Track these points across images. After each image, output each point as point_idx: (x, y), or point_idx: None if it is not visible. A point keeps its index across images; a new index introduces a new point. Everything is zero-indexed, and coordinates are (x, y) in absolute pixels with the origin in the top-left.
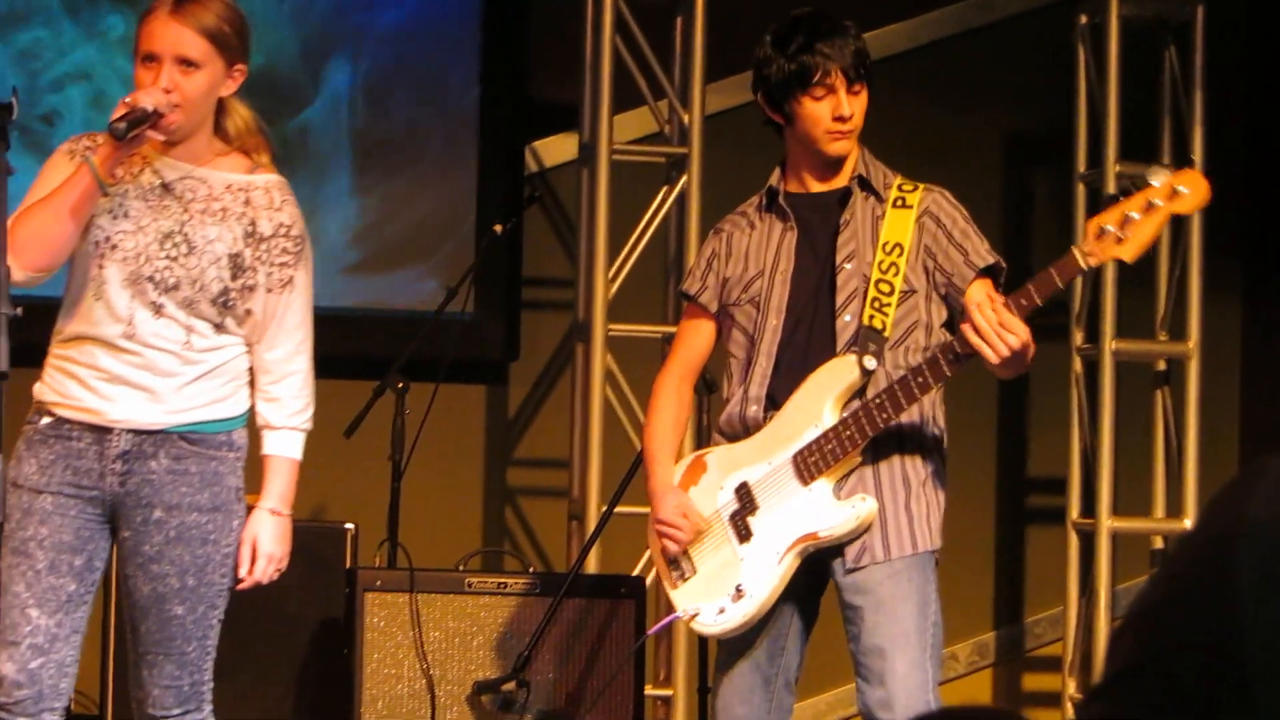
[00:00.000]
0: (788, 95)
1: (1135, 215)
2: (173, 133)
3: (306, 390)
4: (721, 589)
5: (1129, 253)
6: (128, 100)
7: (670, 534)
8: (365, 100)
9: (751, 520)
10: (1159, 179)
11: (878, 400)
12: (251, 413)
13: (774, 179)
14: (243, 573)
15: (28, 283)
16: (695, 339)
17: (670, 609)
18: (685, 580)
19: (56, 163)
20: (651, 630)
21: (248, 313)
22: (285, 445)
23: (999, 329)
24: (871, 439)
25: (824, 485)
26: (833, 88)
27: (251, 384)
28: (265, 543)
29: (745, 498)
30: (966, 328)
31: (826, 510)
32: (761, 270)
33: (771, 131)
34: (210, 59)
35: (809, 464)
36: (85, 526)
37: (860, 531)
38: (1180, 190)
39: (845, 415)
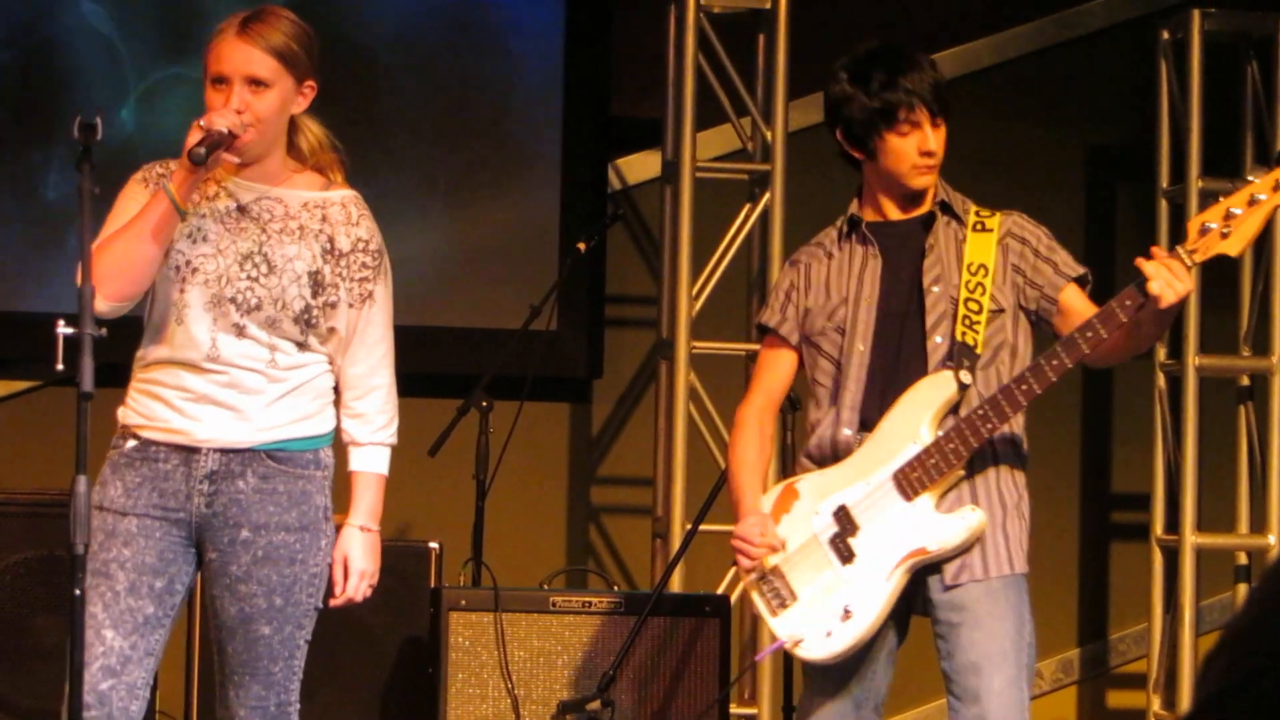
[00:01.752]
0: (871, 132)
1: (1238, 211)
2: (247, 153)
3: (391, 404)
4: (826, 613)
5: (1235, 247)
6: (201, 124)
7: (744, 549)
8: (451, 118)
9: (853, 541)
10: (1258, 175)
11: (981, 411)
12: (338, 431)
13: (853, 208)
14: (336, 591)
15: (111, 312)
16: (776, 370)
17: (761, 629)
18: (785, 607)
19: (131, 192)
20: (758, 657)
21: (331, 330)
22: (372, 461)
23: (1171, 274)
24: (969, 458)
25: (927, 501)
26: (918, 124)
27: (337, 402)
28: (357, 559)
29: (844, 520)
30: (1147, 270)
31: (934, 525)
32: (845, 298)
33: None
34: (280, 77)
35: (911, 480)
36: (170, 549)
37: (970, 544)
38: None
39: (948, 429)
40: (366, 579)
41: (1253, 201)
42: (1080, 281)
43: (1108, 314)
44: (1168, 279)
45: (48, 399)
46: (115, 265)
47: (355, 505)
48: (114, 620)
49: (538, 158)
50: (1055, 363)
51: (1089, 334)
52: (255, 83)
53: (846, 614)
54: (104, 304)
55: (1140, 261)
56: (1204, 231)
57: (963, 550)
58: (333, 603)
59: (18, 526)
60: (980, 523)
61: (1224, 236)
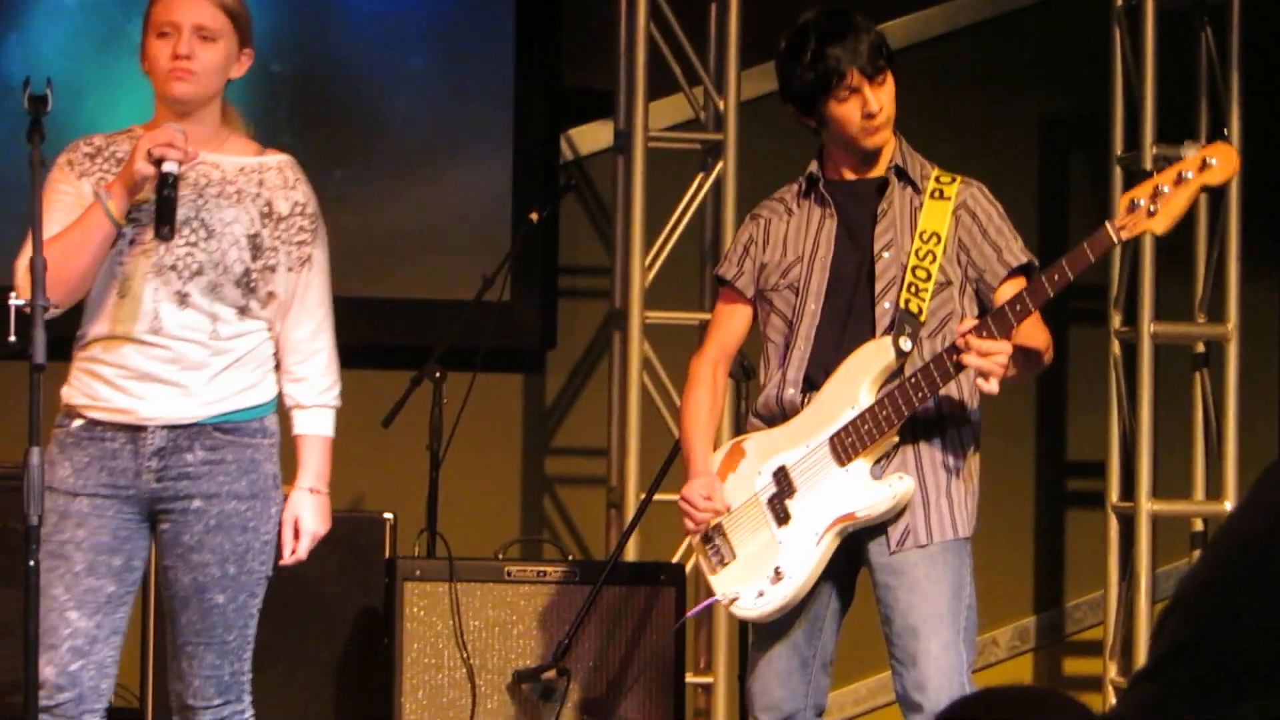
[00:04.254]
0: (814, 102)
1: (1166, 189)
2: (187, 108)
3: (333, 367)
4: (760, 572)
5: (1160, 225)
6: (152, 154)
7: (689, 512)
8: (402, 90)
9: (789, 503)
10: (1190, 152)
11: (913, 379)
12: (280, 397)
13: (813, 167)
14: (286, 553)
15: (55, 312)
16: (731, 323)
17: (709, 593)
18: (725, 565)
19: (59, 179)
20: (690, 614)
21: (270, 294)
22: (318, 424)
23: (981, 358)
24: (913, 422)
25: (862, 465)
26: (856, 88)
27: (277, 368)
28: (308, 521)
29: (783, 481)
30: (966, 357)
31: (864, 490)
32: (800, 256)
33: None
34: (226, 33)
35: (846, 445)
36: (123, 527)
37: (897, 510)
38: (1210, 162)
39: (881, 395)
40: (316, 541)
41: (1179, 180)
42: (1024, 271)
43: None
44: (984, 366)
45: None
46: (55, 275)
47: (303, 468)
48: (77, 601)
49: (490, 128)
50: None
51: (954, 358)
52: (204, 33)
53: (778, 575)
54: (48, 304)
55: (961, 356)
56: (1133, 208)
57: (889, 518)
58: (282, 562)
59: None
60: (907, 490)
61: (1150, 214)
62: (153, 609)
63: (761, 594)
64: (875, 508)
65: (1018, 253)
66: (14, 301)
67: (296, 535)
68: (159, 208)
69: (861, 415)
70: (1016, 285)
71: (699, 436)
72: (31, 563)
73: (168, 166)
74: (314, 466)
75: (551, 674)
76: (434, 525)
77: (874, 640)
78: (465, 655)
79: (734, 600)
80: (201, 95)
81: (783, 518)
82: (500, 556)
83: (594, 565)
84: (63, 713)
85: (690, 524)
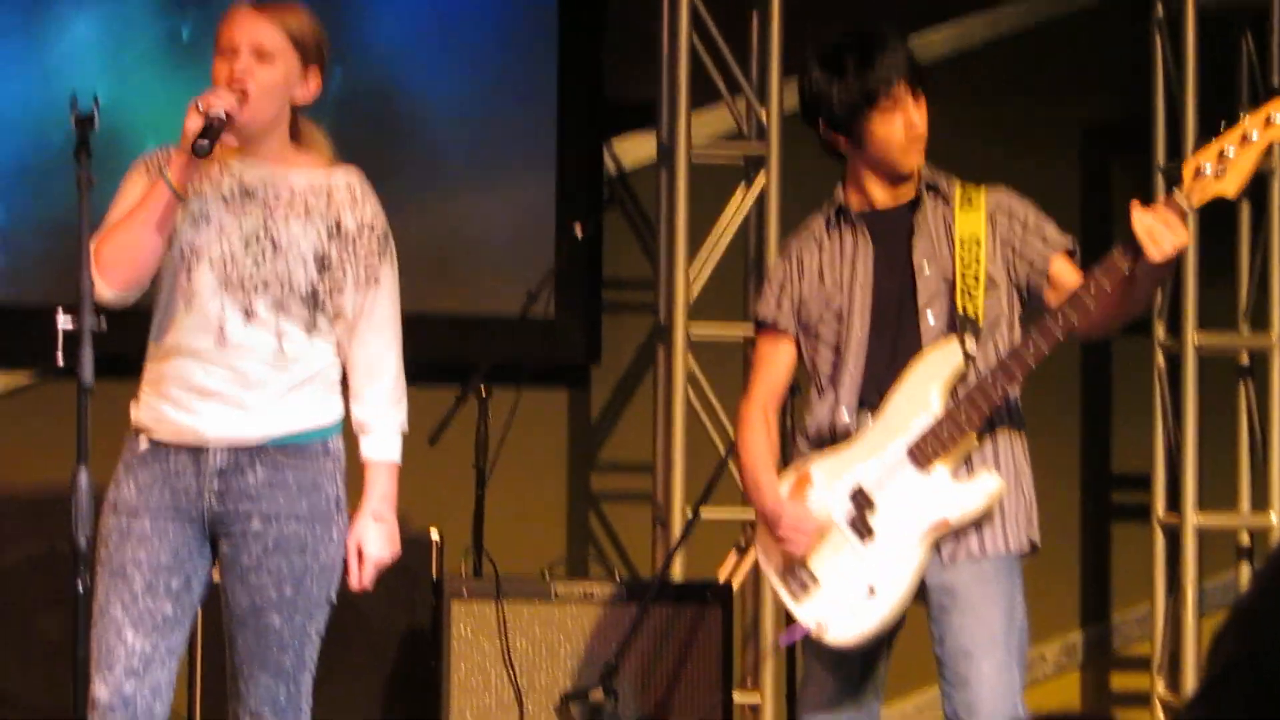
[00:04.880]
0: (856, 117)
1: (1232, 151)
2: (246, 130)
3: (400, 390)
4: (851, 593)
5: (1231, 185)
6: (199, 106)
7: (796, 540)
8: (444, 104)
9: (872, 519)
10: (1250, 114)
11: (991, 376)
12: (346, 420)
13: (839, 198)
14: (352, 581)
15: (117, 301)
16: (775, 363)
17: (792, 622)
18: (807, 592)
19: (133, 180)
20: (782, 641)
21: (337, 313)
22: (384, 448)
23: (1161, 226)
24: (981, 425)
25: (943, 470)
26: (901, 100)
27: (344, 390)
28: (371, 548)
29: (861, 499)
30: (1136, 226)
31: (953, 494)
32: (839, 284)
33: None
34: (285, 53)
35: (926, 451)
36: (184, 547)
37: (989, 510)
38: (1276, 119)
39: (959, 397)
40: (381, 568)
41: (1245, 140)
42: (1069, 253)
43: (1108, 265)
44: (1156, 228)
45: (48, 392)
46: (118, 254)
47: (368, 493)
48: (134, 621)
49: (533, 142)
50: (1061, 320)
51: (1092, 288)
52: (262, 54)
53: (871, 592)
54: (109, 292)
55: (1134, 207)
56: (1198, 174)
57: (982, 517)
58: (350, 585)
59: (19, 521)
60: (999, 488)
61: (1219, 177)
62: (199, 630)
63: (856, 614)
64: (970, 508)
65: (1060, 236)
66: (62, 322)
67: (361, 561)
68: (205, 128)
69: (939, 419)
70: (1066, 264)
71: (764, 471)
72: (79, 584)
73: (214, 113)
74: (379, 492)
75: (599, 694)
76: (480, 544)
77: (920, 657)
78: (512, 675)
79: (824, 627)
80: (260, 117)
81: (866, 534)
82: (547, 575)
83: (640, 584)
84: None
85: (797, 551)
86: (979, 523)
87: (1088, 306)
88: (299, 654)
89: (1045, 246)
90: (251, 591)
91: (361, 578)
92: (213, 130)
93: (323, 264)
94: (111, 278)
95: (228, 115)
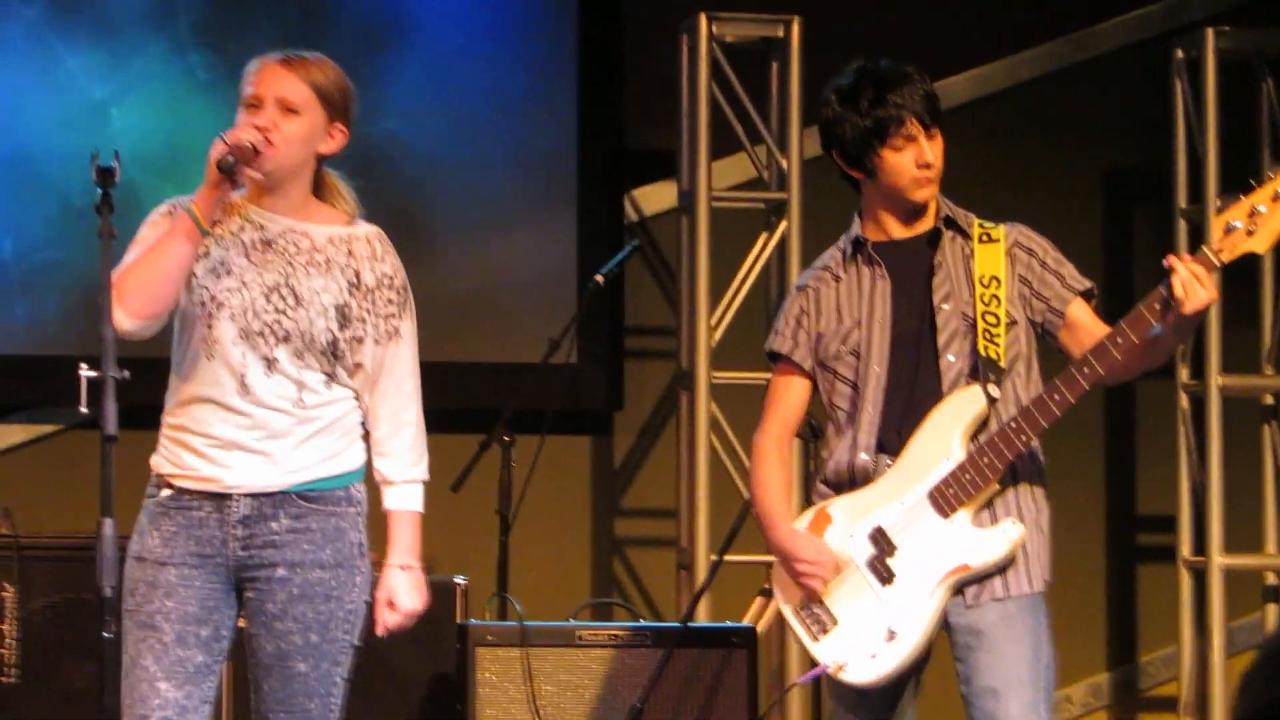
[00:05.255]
0: (866, 150)
1: (1263, 208)
2: (269, 172)
3: (420, 441)
4: (869, 635)
5: (1262, 243)
6: (225, 139)
7: (814, 573)
8: (465, 153)
9: (891, 562)
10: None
11: (1014, 424)
12: (368, 467)
13: (856, 229)
14: (379, 628)
15: (137, 332)
16: (789, 397)
17: (812, 664)
18: (826, 633)
19: (156, 222)
20: (800, 681)
21: (358, 365)
22: (407, 499)
23: (1195, 280)
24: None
25: (964, 517)
26: (912, 136)
27: (365, 437)
28: (403, 600)
29: (881, 541)
30: (1174, 276)
31: (973, 540)
32: (858, 320)
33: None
34: (310, 107)
35: (948, 497)
36: (210, 596)
37: (1011, 558)
38: None
39: (981, 443)
40: (413, 619)
41: (1276, 197)
42: (1086, 295)
43: (1136, 317)
44: (1191, 281)
45: (72, 442)
46: (139, 285)
47: (394, 545)
48: (166, 672)
49: (554, 190)
50: (1087, 370)
51: (1119, 339)
52: (287, 107)
53: (890, 635)
54: (129, 322)
55: (1170, 259)
56: (1229, 230)
57: (1004, 565)
58: (377, 632)
59: (44, 570)
60: (1021, 536)
61: (1250, 234)
62: (225, 676)
63: (874, 656)
64: (991, 556)
65: (1079, 277)
66: (85, 372)
67: (392, 610)
68: (230, 151)
69: (961, 465)
70: (1083, 308)
71: (777, 505)
72: (106, 632)
73: (244, 139)
74: (404, 542)
75: None
76: (505, 589)
77: (946, 697)
78: None
79: (842, 667)
80: (283, 167)
81: (886, 577)
82: (572, 620)
83: (666, 629)
84: None
85: (817, 586)
86: (1002, 565)
87: (1115, 357)
88: (325, 700)
89: (1063, 287)
90: (277, 638)
91: (387, 624)
92: (239, 152)
93: (344, 316)
94: (132, 308)
95: (253, 147)
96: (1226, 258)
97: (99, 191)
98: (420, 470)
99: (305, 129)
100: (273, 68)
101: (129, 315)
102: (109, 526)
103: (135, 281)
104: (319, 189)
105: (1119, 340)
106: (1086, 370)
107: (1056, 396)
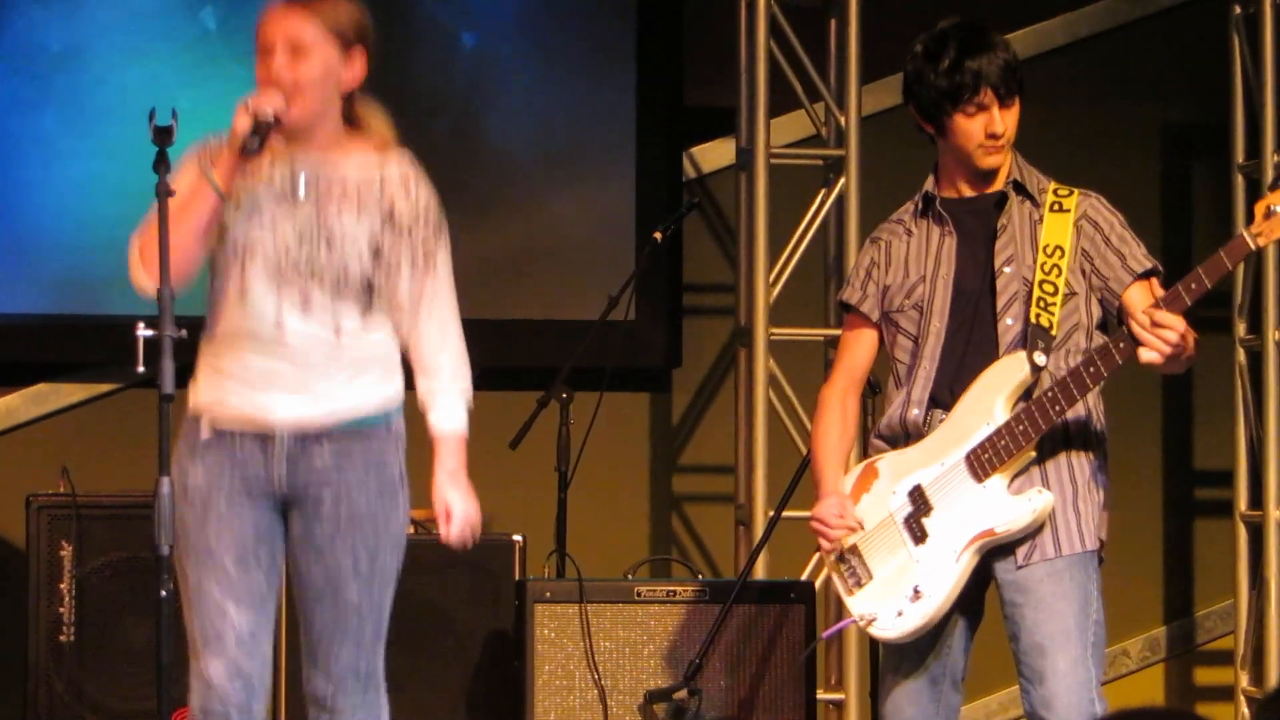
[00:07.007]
0: (939, 110)
1: None
2: (296, 125)
3: (464, 363)
4: (899, 591)
5: None
6: (248, 106)
7: (823, 531)
8: (524, 111)
9: (926, 521)
10: None
11: (1050, 394)
12: (407, 398)
13: (929, 185)
14: (443, 535)
15: (155, 291)
16: (858, 349)
17: (845, 614)
18: (861, 586)
19: (187, 167)
20: (825, 634)
21: (394, 298)
22: (452, 420)
23: (1152, 329)
24: (1041, 437)
25: (999, 482)
26: (985, 105)
27: (405, 369)
28: (459, 507)
29: (919, 499)
30: (1132, 326)
31: (1002, 506)
32: (923, 275)
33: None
34: (321, 42)
35: (983, 461)
36: (262, 518)
37: (1036, 526)
38: None
39: (1018, 411)
40: (469, 524)
41: None
42: (1149, 275)
43: (1104, 350)
44: (1148, 340)
45: (129, 401)
46: (158, 247)
47: (441, 461)
48: (235, 598)
49: (612, 148)
50: (1123, 345)
51: (1091, 369)
52: (298, 49)
53: (916, 594)
54: (149, 283)
55: (1130, 325)
56: (1269, 214)
57: (1030, 533)
58: (444, 540)
59: (103, 529)
60: (1047, 505)
61: None
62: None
63: (901, 613)
64: (1015, 523)
65: (1141, 259)
66: (142, 332)
67: (449, 520)
68: (253, 128)
69: (998, 431)
70: (1142, 291)
71: (830, 459)
72: (164, 590)
73: (263, 115)
74: (452, 460)
75: (683, 694)
76: (563, 546)
77: (1003, 654)
78: (596, 676)
79: (871, 620)
80: (307, 111)
81: (920, 536)
82: (629, 577)
83: (723, 584)
84: (236, 704)
85: (825, 544)
86: (1054, 525)
87: (1117, 360)
88: (377, 625)
89: (1122, 269)
90: (327, 566)
91: (452, 533)
92: (261, 129)
93: (377, 254)
94: (155, 271)
95: (276, 117)
96: (1264, 241)
97: (155, 150)
98: (463, 391)
99: (320, 68)
100: (279, 10)
101: (151, 279)
102: (166, 485)
103: (154, 246)
104: (351, 119)
105: (1122, 345)
106: (1123, 345)
107: (1092, 369)
